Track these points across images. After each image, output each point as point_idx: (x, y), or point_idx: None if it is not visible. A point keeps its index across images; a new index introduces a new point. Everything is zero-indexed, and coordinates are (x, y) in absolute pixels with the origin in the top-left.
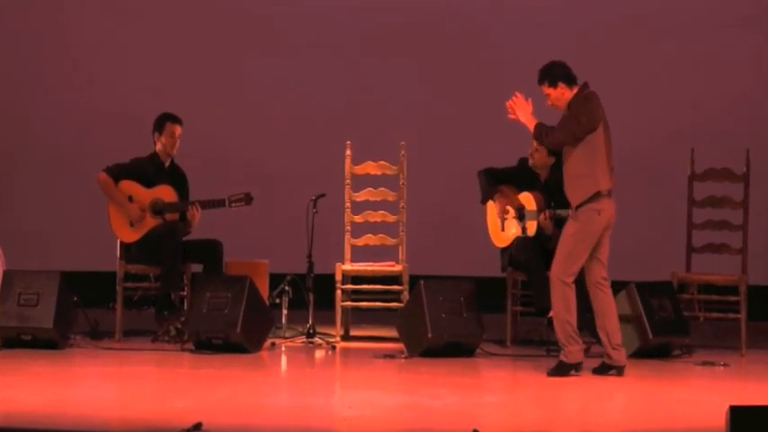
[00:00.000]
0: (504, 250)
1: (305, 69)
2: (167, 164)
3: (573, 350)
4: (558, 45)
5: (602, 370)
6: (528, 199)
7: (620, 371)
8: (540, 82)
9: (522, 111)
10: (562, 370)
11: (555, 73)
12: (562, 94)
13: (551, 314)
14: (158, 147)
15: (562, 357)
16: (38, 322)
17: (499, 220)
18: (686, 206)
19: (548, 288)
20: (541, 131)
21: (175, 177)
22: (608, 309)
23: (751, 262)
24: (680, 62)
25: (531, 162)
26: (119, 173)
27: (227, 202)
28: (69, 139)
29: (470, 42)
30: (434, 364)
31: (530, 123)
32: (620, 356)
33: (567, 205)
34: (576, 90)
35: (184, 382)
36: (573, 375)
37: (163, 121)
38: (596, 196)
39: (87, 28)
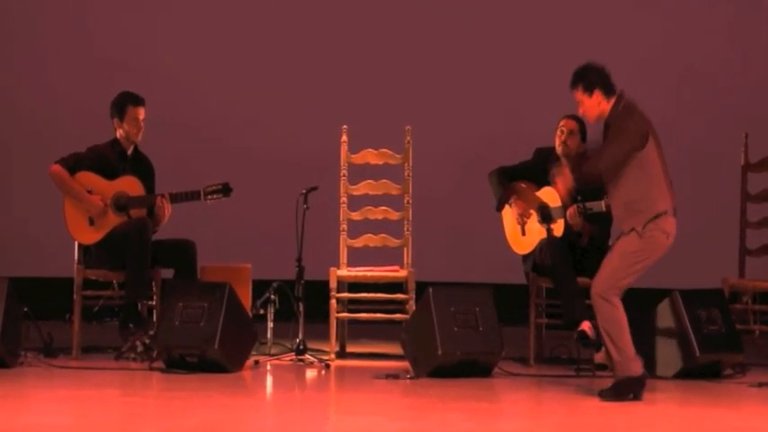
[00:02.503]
0: (526, 256)
1: (296, 44)
2: (130, 151)
3: (628, 366)
4: (583, 23)
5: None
6: (550, 194)
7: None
8: (573, 86)
9: (564, 181)
10: (619, 389)
11: (591, 78)
12: (598, 104)
13: (583, 327)
14: (119, 133)
15: (620, 375)
16: None
17: (518, 227)
18: (739, 201)
19: (578, 297)
20: (583, 171)
21: (140, 167)
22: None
23: None
24: (731, 36)
25: (561, 151)
26: (75, 164)
27: (201, 195)
28: (16, 129)
29: (484, 13)
30: (445, 386)
31: (570, 182)
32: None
33: (597, 198)
34: (613, 101)
35: (153, 407)
36: (630, 400)
37: (123, 105)
38: (659, 217)
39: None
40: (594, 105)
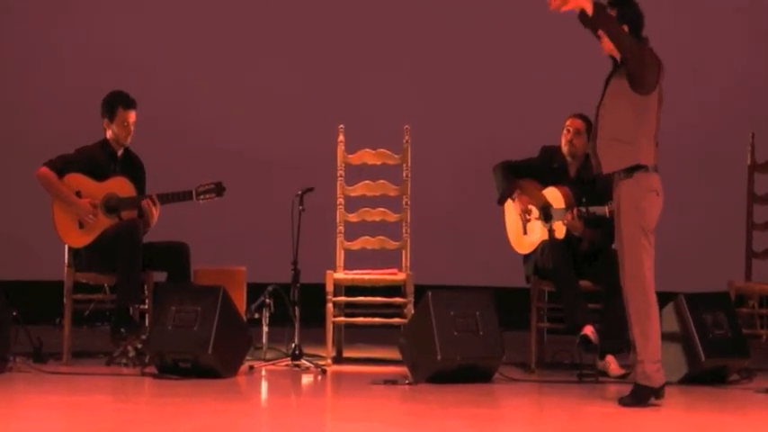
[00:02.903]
0: (527, 257)
1: (291, 42)
2: (120, 152)
3: (657, 369)
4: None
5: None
6: (555, 195)
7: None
8: (611, 5)
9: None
10: (641, 394)
11: (628, 12)
12: None
13: (585, 332)
14: (109, 134)
15: (641, 380)
16: None
17: (521, 223)
18: (745, 202)
19: (580, 301)
20: (604, 15)
21: (130, 167)
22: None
23: None
24: (738, 35)
25: (568, 150)
26: (63, 166)
27: (194, 195)
28: (3, 131)
29: (484, 12)
30: (445, 392)
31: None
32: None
33: (600, 201)
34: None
35: (145, 413)
36: (651, 402)
37: (113, 106)
38: (638, 169)
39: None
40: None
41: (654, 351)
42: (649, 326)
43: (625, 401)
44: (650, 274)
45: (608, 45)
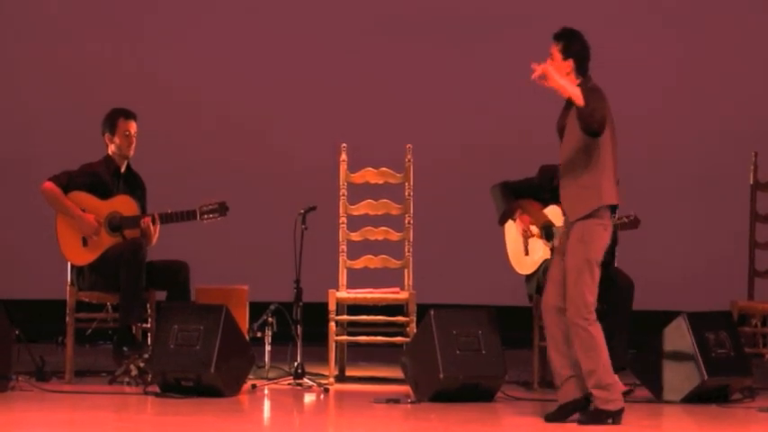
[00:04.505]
0: (530, 276)
1: (294, 61)
2: (123, 168)
3: (612, 397)
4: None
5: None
6: (557, 213)
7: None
8: (555, 39)
9: (561, 71)
10: (599, 417)
11: (575, 47)
12: (566, 73)
13: None
14: (111, 149)
15: (600, 405)
16: None
17: (522, 243)
18: (748, 221)
19: None
20: (590, 101)
21: (133, 185)
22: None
23: None
24: (741, 53)
25: None
26: (67, 182)
27: (197, 215)
28: (5, 148)
29: (486, 31)
30: (447, 411)
31: (570, 88)
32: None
33: None
34: (580, 80)
35: (148, 431)
36: (610, 425)
37: (114, 119)
38: (600, 211)
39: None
40: (561, 70)
41: (602, 377)
42: (595, 354)
43: (581, 419)
44: (592, 307)
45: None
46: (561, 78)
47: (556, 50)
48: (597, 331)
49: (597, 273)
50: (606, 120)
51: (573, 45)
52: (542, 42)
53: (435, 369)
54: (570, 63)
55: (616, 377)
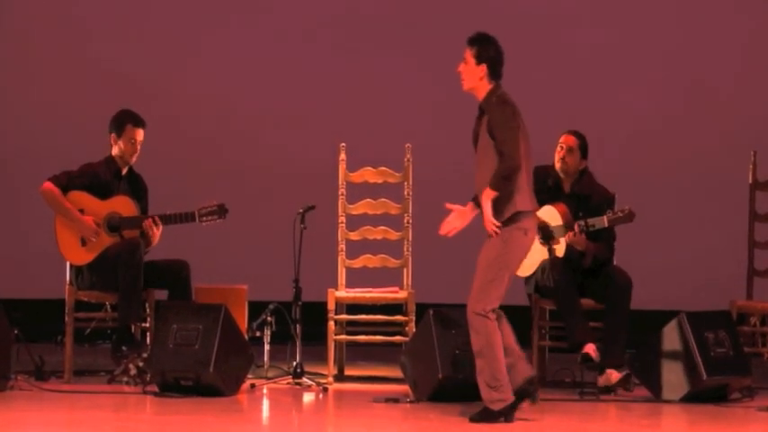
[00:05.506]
0: (528, 276)
1: (292, 60)
2: (125, 170)
3: (499, 397)
4: (590, 39)
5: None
6: (551, 213)
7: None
8: (469, 44)
9: (463, 218)
10: (488, 416)
11: (488, 52)
12: (479, 78)
13: (587, 350)
14: (115, 151)
15: (488, 405)
16: None
17: None
18: (747, 221)
19: (581, 319)
20: (499, 181)
21: (134, 187)
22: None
23: None
24: (740, 52)
25: (560, 167)
26: (67, 182)
27: (196, 216)
28: (4, 148)
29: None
30: (446, 410)
31: (484, 203)
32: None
33: (597, 214)
34: (492, 86)
35: (147, 431)
36: (501, 422)
37: (122, 122)
38: (517, 216)
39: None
40: (474, 74)
41: (493, 375)
42: (489, 351)
43: (473, 417)
44: (496, 303)
45: (468, 84)
46: (463, 221)
47: (469, 55)
48: (494, 328)
49: (507, 276)
50: (518, 141)
51: (486, 50)
52: (542, 42)
53: (434, 368)
54: (483, 68)
55: (506, 377)
